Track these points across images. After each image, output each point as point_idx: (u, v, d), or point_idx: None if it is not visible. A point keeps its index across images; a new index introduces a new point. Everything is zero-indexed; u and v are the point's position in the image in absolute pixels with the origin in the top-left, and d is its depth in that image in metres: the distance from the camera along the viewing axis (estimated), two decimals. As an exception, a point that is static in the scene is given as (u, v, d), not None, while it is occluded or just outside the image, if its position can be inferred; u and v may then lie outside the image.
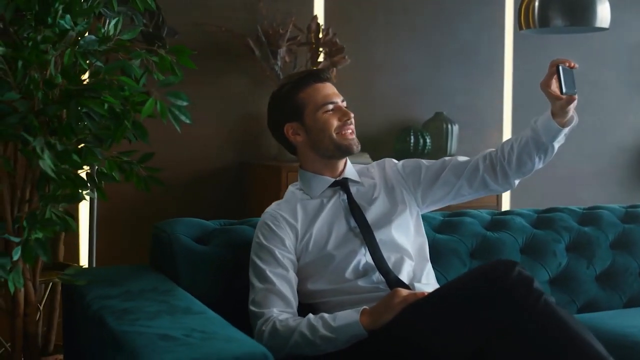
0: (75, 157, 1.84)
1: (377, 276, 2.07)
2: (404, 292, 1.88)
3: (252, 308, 2.02)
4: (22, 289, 2.06)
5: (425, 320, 1.81)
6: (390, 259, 2.10)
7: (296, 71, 3.04)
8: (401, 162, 2.28)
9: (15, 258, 1.88)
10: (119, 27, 1.96)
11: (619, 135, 4.57)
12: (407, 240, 2.16)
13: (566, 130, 2.04)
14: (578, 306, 2.61)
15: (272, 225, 2.10)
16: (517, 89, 4.26)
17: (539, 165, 2.12)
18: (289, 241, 2.09)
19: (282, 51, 3.56)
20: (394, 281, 2.05)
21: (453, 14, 4.12)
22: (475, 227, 2.57)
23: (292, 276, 2.06)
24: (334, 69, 3.60)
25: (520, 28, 3.27)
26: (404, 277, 2.08)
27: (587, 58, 4.34)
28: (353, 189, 2.19)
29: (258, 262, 2.06)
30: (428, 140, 3.82)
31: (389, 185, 2.23)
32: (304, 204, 2.16)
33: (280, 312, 1.99)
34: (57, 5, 1.84)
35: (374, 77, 3.95)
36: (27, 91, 1.84)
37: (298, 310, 2.04)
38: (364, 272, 2.08)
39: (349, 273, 2.07)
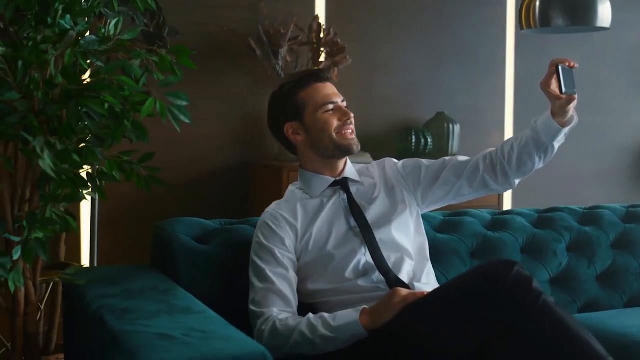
0: (75, 156, 1.85)
1: (377, 276, 2.07)
2: (404, 291, 1.88)
3: (252, 307, 2.02)
4: (23, 288, 2.06)
5: (424, 320, 1.81)
6: (390, 258, 2.10)
7: (297, 71, 3.04)
8: (401, 161, 2.28)
9: (16, 257, 1.88)
10: (120, 27, 1.97)
11: (621, 135, 4.57)
12: (407, 240, 2.16)
13: (566, 130, 2.04)
14: (579, 306, 2.61)
15: (272, 224, 2.11)
16: (518, 89, 4.26)
17: (539, 165, 2.12)
18: (289, 241, 2.09)
19: (283, 51, 3.56)
20: (393, 281, 2.05)
21: (454, 13, 4.12)
22: (476, 227, 2.58)
23: (292, 276, 2.07)
24: (335, 68, 3.60)
25: (521, 28, 3.27)
26: (404, 276, 2.09)
27: (588, 58, 4.34)
28: (353, 189, 2.19)
29: (258, 261, 2.07)
30: (429, 140, 3.82)
31: (389, 185, 2.23)
32: (304, 203, 2.16)
33: (280, 311, 1.99)
34: (57, 5, 1.84)
35: (375, 77, 3.95)
36: (27, 91, 1.85)
37: (298, 310, 2.05)
38: (364, 272, 2.08)
39: (349, 272, 2.07)
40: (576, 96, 2.00)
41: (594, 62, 4.39)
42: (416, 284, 2.08)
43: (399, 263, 2.10)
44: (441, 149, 3.84)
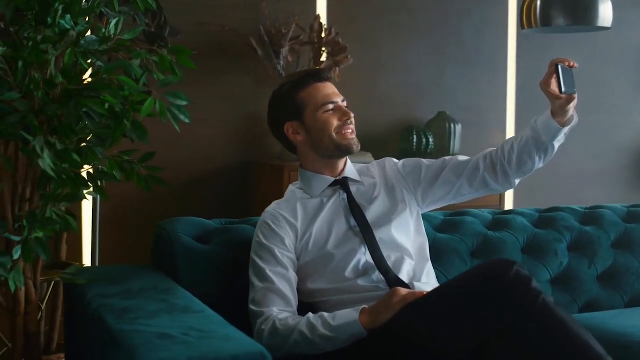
0: (75, 156, 1.85)
1: (377, 275, 2.07)
2: (403, 291, 1.88)
3: (252, 307, 2.03)
4: (23, 288, 2.07)
5: (424, 320, 1.81)
6: (390, 258, 2.10)
7: (297, 71, 3.04)
8: (401, 161, 2.28)
9: (16, 257, 1.89)
10: (120, 27, 1.97)
11: (624, 135, 4.56)
12: (407, 240, 2.16)
13: (566, 129, 2.04)
14: (579, 306, 2.61)
15: (272, 224, 2.11)
16: (520, 89, 4.26)
17: (539, 164, 2.12)
18: (289, 240, 2.10)
19: (284, 51, 3.56)
20: (393, 280, 2.05)
21: (456, 13, 4.12)
22: (477, 227, 2.57)
23: (292, 275, 2.07)
24: (337, 68, 3.60)
25: (523, 27, 3.27)
26: (404, 276, 2.09)
27: (590, 58, 4.34)
28: (353, 188, 2.19)
29: (258, 261, 2.07)
30: (431, 140, 3.82)
31: (389, 185, 2.23)
32: (304, 203, 2.17)
33: (280, 311, 1.99)
34: (57, 5, 1.84)
35: (377, 76, 3.95)
36: (28, 91, 1.85)
37: (298, 310, 2.05)
38: (363, 271, 2.08)
39: (348, 272, 2.07)
40: (576, 96, 2.00)
41: (596, 62, 4.39)
42: (416, 284, 2.08)
43: (399, 263, 2.10)
44: (443, 149, 3.84)
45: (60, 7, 1.85)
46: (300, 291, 2.09)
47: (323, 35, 3.63)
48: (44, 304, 2.77)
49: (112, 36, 1.94)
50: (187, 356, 1.48)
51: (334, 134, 2.13)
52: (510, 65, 4.26)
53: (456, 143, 3.89)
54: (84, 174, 2.02)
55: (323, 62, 3.62)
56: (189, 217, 2.33)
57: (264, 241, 2.09)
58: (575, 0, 3.05)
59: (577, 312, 2.59)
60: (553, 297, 2.49)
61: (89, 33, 1.98)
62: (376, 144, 3.76)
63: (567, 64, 2.00)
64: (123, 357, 1.55)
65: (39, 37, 1.85)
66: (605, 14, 3.07)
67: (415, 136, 3.80)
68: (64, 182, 1.89)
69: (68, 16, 1.89)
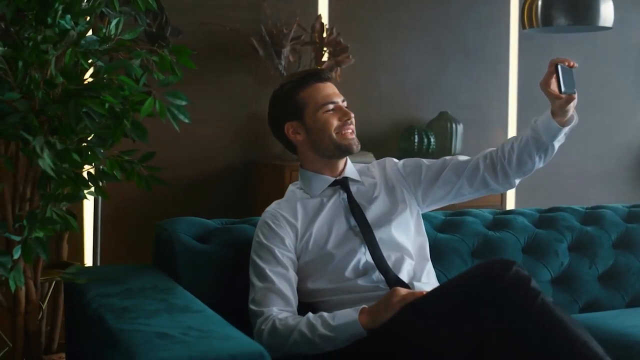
0: (75, 156, 1.85)
1: (377, 275, 2.07)
2: (403, 291, 1.88)
3: (252, 307, 2.03)
4: (23, 288, 2.07)
5: (423, 319, 1.81)
6: (390, 258, 2.10)
7: (297, 70, 3.05)
8: (402, 161, 2.28)
9: (16, 257, 1.89)
10: (120, 27, 1.97)
11: (626, 135, 4.56)
12: (407, 240, 2.16)
13: (566, 129, 2.04)
14: (580, 306, 2.61)
15: (272, 224, 2.11)
16: (522, 88, 4.26)
17: (539, 164, 2.12)
18: (289, 240, 2.10)
19: (286, 51, 3.56)
20: (393, 280, 2.05)
21: (457, 13, 4.12)
22: (477, 227, 2.57)
23: (292, 275, 2.07)
24: (338, 68, 3.60)
25: (524, 27, 3.27)
26: (404, 276, 2.09)
27: (592, 57, 4.34)
28: (353, 188, 2.19)
29: (258, 261, 2.07)
30: (432, 140, 3.82)
31: (389, 185, 2.23)
32: (304, 203, 2.17)
33: (280, 310, 1.99)
34: (57, 5, 1.84)
35: (378, 76, 3.95)
36: (28, 91, 1.85)
37: (298, 309, 2.05)
38: (363, 271, 2.08)
39: (348, 272, 2.08)
40: (576, 96, 2.00)
41: (598, 61, 4.39)
42: (416, 284, 2.08)
43: (399, 262, 2.10)
44: (444, 149, 3.84)
45: (60, 7, 1.86)
46: (300, 291, 2.09)
47: (324, 35, 3.63)
48: (45, 304, 2.77)
49: (113, 36, 1.95)
50: (186, 356, 1.48)
51: (334, 134, 2.13)
52: (512, 65, 4.26)
53: (457, 143, 3.89)
54: (85, 174, 2.03)
55: (324, 62, 3.62)
56: (189, 217, 2.33)
57: (264, 241, 2.09)
58: (576, 0, 3.05)
59: (578, 312, 2.59)
60: (554, 297, 2.51)
61: (89, 33, 1.98)
62: (377, 144, 3.76)
63: (566, 63, 2.00)
64: (122, 356, 1.55)
65: (39, 37, 1.85)
66: (607, 13, 3.06)
67: (416, 136, 3.80)
68: (64, 182, 1.89)
69: (68, 16, 1.89)
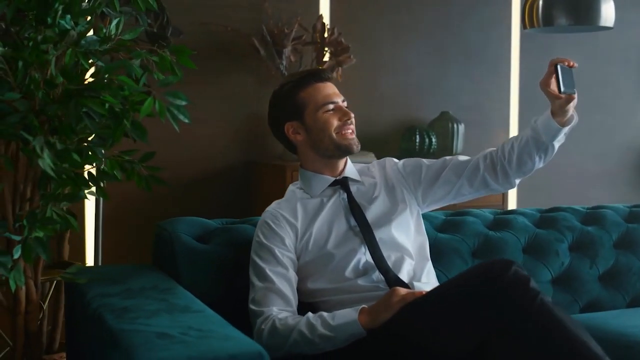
0: (75, 156, 1.85)
1: (377, 275, 2.07)
2: (403, 291, 1.88)
3: (252, 307, 2.03)
4: (24, 287, 2.08)
5: (423, 319, 1.81)
6: (390, 258, 2.10)
7: (299, 70, 3.05)
8: (402, 161, 2.28)
9: (16, 256, 1.89)
10: (121, 27, 1.97)
11: (627, 135, 4.56)
12: (407, 239, 2.16)
13: (566, 129, 2.04)
14: (581, 306, 2.61)
15: (272, 224, 2.11)
16: (523, 88, 4.26)
17: (539, 164, 2.12)
18: (289, 240, 2.10)
19: (287, 51, 3.57)
20: (393, 280, 2.05)
21: (459, 13, 4.12)
22: (478, 227, 2.57)
23: (292, 275, 2.07)
24: (340, 68, 3.60)
25: (525, 27, 3.27)
26: (404, 276, 2.09)
27: (593, 57, 4.34)
28: (353, 188, 2.19)
29: (258, 260, 2.07)
30: (434, 140, 3.82)
31: (389, 185, 2.23)
32: (304, 203, 2.17)
33: (280, 310, 2.00)
34: (57, 5, 1.84)
35: (379, 76, 3.96)
36: (28, 91, 1.86)
37: (298, 309, 2.05)
38: (363, 271, 2.08)
39: (348, 272, 2.08)
40: (575, 95, 2.00)
41: (599, 61, 4.39)
42: (416, 284, 2.07)
43: (399, 262, 2.10)
44: (445, 149, 3.84)
45: (60, 7, 1.86)
46: (300, 291, 2.09)
47: (325, 35, 3.63)
48: (46, 304, 2.78)
49: (113, 36, 1.95)
50: (186, 356, 1.48)
51: (334, 134, 2.13)
52: (513, 65, 4.26)
53: (459, 143, 3.89)
54: (86, 174, 2.03)
55: (325, 62, 3.62)
56: (189, 217, 2.33)
57: (264, 241, 2.09)
58: (577, 0, 3.05)
59: (579, 312, 2.59)
60: (554, 298, 2.51)
61: (90, 33, 1.99)
62: (378, 144, 3.77)
63: (566, 63, 2.00)
64: (122, 356, 1.55)
65: (40, 37, 1.85)
66: (608, 13, 3.06)
67: (417, 136, 3.80)
68: (64, 182, 1.89)
69: (68, 16, 1.89)
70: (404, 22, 4.00)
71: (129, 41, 1.98)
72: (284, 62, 3.56)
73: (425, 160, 2.26)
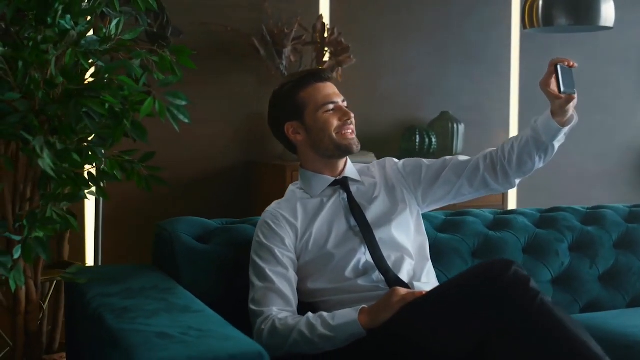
0: (75, 156, 1.85)
1: (377, 275, 2.07)
2: (403, 291, 1.88)
3: (252, 307, 2.03)
4: (24, 287, 2.08)
5: (423, 319, 1.81)
6: (390, 258, 2.10)
7: (299, 70, 3.05)
8: (402, 161, 2.28)
9: (16, 256, 1.89)
10: (121, 27, 1.97)
11: (627, 135, 4.56)
12: (407, 239, 2.16)
13: (566, 129, 2.04)
14: (581, 306, 2.61)
15: (272, 224, 2.11)
16: (523, 88, 4.26)
17: (539, 164, 2.12)
18: (289, 240, 2.10)
19: (287, 51, 3.57)
20: (393, 280, 2.05)
21: (459, 13, 4.12)
22: (478, 227, 2.57)
23: (292, 275, 2.07)
24: (340, 68, 3.60)
25: (525, 27, 3.27)
26: (404, 276, 2.09)
27: (594, 57, 4.34)
28: (353, 188, 2.19)
29: (258, 260, 2.07)
30: (434, 140, 3.82)
31: (389, 185, 2.23)
32: (304, 203, 2.17)
33: (280, 310, 2.00)
34: (57, 5, 1.85)
35: (379, 76, 3.96)
36: (28, 91, 1.86)
37: (298, 309, 2.05)
38: (363, 271, 2.08)
39: (348, 272, 2.08)
40: (575, 95, 2.00)
41: (600, 61, 4.38)
42: (416, 284, 2.07)
43: (399, 262, 2.10)
44: (445, 149, 3.84)
45: (60, 8, 1.86)
46: (300, 291, 2.09)
47: (326, 35, 3.63)
48: (46, 304, 2.78)
49: (113, 36, 1.95)
50: (185, 355, 1.48)
51: (334, 134, 2.13)
52: (514, 65, 4.26)
53: (459, 143, 3.89)
54: (86, 174, 2.03)
55: (326, 62, 3.62)
56: (189, 217, 2.33)
57: (264, 241, 2.09)
58: (577, 0, 3.05)
59: (579, 312, 2.59)
60: (554, 298, 2.51)
61: (91, 33, 1.99)
62: (379, 144, 3.77)
63: (566, 63, 2.00)
64: (122, 356, 1.55)
65: (40, 37, 1.85)
66: (608, 13, 3.06)
67: (417, 136, 3.80)
68: (64, 182, 1.89)
69: (68, 16, 1.89)
70: (404, 22, 4.00)
71: (128, 41, 1.98)
72: (284, 62, 3.56)
73: (425, 160, 2.26)
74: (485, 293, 1.73)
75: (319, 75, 2.19)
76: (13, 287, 1.94)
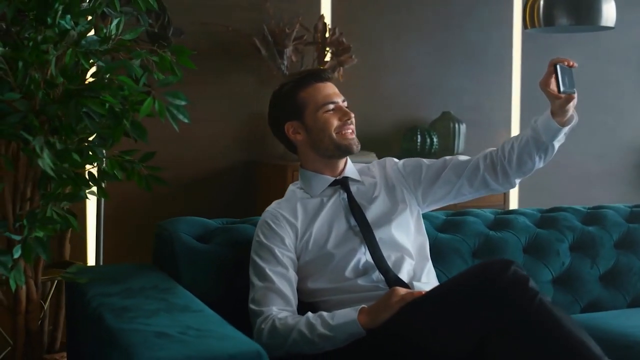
0: (75, 156, 1.86)
1: (376, 275, 2.07)
2: (402, 290, 1.88)
3: (252, 306, 2.03)
4: (24, 287, 2.08)
5: (422, 319, 1.82)
6: (390, 257, 2.10)
7: (299, 70, 3.05)
8: (402, 161, 2.28)
9: (16, 256, 1.89)
10: (121, 27, 1.98)
11: (629, 135, 4.56)
12: (407, 239, 2.16)
13: (566, 129, 2.04)
14: (581, 306, 2.60)
15: (272, 224, 2.11)
16: (525, 88, 4.26)
17: (539, 164, 2.12)
18: (289, 240, 2.10)
19: (288, 51, 3.57)
20: (393, 280, 2.05)
21: (460, 13, 4.12)
22: (478, 227, 2.57)
23: (292, 275, 2.07)
24: (341, 68, 3.60)
25: (526, 27, 3.27)
26: (404, 276, 2.09)
27: (596, 57, 4.33)
28: (353, 188, 2.19)
29: (258, 260, 2.07)
30: (435, 140, 3.82)
31: (389, 184, 2.23)
32: (304, 202, 2.17)
33: (280, 310, 2.00)
34: (57, 5, 1.85)
35: (381, 76, 3.96)
36: (28, 91, 1.86)
37: (298, 309, 2.05)
38: (363, 271, 2.08)
39: (348, 272, 2.08)
40: (575, 95, 1.99)
41: (602, 61, 4.38)
42: (416, 284, 2.08)
43: (399, 262, 2.10)
44: (447, 149, 3.84)
45: (60, 8, 1.86)
46: (301, 291, 2.09)
47: (327, 35, 3.63)
48: (47, 303, 2.78)
49: (113, 36, 1.95)
50: (184, 355, 1.48)
51: (334, 134, 2.13)
52: (515, 65, 4.26)
53: (460, 143, 3.89)
54: (87, 174, 2.03)
55: (327, 62, 3.62)
56: (189, 217, 2.34)
57: (264, 240, 2.09)
58: (578, 0, 3.05)
59: (579, 312, 2.58)
60: (555, 298, 2.51)
61: (91, 33, 1.99)
62: (380, 144, 3.77)
63: (566, 63, 2.00)
64: (121, 355, 1.55)
65: (40, 37, 1.86)
66: (609, 13, 3.07)
67: (419, 136, 3.80)
68: (64, 182, 1.89)
69: (68, 16, 1.90)
70: (405, 22, 4.00)
71: (129, 41, 1.99)
72: (285, 62, 3.56)
73: (425, 160, 2.26)
74: (484, 293, 1.73)
75: (319, 75, 2.19)
76: (13, 287, 1.94)
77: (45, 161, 1.76)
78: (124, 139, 1.95)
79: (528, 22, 3.19)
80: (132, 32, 1.99)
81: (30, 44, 1.85)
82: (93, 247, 3.34)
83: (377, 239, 2.11)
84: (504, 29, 4.23)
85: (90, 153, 1.94)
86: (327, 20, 3.77)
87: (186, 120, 1.90)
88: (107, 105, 1.86)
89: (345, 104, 2.18)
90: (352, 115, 2.16)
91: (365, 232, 2.11)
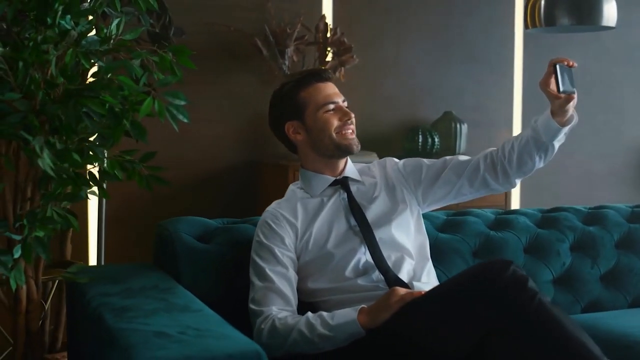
0: (75, 156, 1.86)
1: (376, 275, 2.07)
2: (402, 290, 1.89)
3: (252, 306, 2.03)
4: (24, 287, 2.08)
5: (422, 319, 1.82)
6: (390, 257, 2.10)
7: (300, 70, 3.05)
8: (402, 161, 2.28)
9: (16, 256, 1.90)
10: (121, 27, 1.98)
11: (632, 135, 4.55)
12: (407, 239, 2.16)
13: (566, 129, 2.04)
14: (582, 306, 2.60)
15: (272, 223, 2.11)
16: (526, 88, 4.25)
17: (539, 164, 2.12)
18: (289, 240, 2.10)
19: (290, 51, 3.57)
20: (393, 280, 2.05)
21: (462, 13, 4.11)
22: (479, 227, 2.57)
23: (292, 274, 2.07)
24: (342, 68, 3.60)
25: (527, 27, 3.27)
26: (404, 276, 2.09)
27: (598, 57, 4.33)
28: (353, 188, 2.19)
29: (258, 260, 2.08)
30: (437, 140, 3.82)
31: (389, 184, 2.23)
32: (304, 202, 2.17)
33: (280, 310, 2.00)
34: (57, 5, 1.85)
35: (382, 76, 3.95)
36: (28, 91, 1.86)
37: (298, 309, 2.05)
38: (363, 271, 2.08)
39: (348, 272, 2.08)
40: (575, 95, 1.99)
41: (604, 61, 4.38)
42: (416, 283, 2.08)
43: (399, 262, 2.10)
44: (448, 149, 3.84)
45: (60, 8, 1.86)
46: (301, 290, 2.09)
47: (328, 35, 3.63)
48: (48, 303, 2.78)
49: (114, 36, 1.95)
50: (183, 355, 1.48)
51: (334, 134, 2.13)
52: (517, 65, 4.26)
53: (462, 143, 3.89)
54: (87, 175, 2.03)
55: (328, 62, 3.62)
56: (190, 217, 2.34)
57: (264, 240, 2.09)
58: (580, 0, 3.05)
59: (580, 313, 2.58)
60: (555, 298, 2.51)
61: (92, 33, 1.99)
62: (381, 144, 3.77)
63: (566, 63, 2.00)
64: (120, 355, 1.56)
65: (40, 38, 1.86)
66: (610, 13, 3.06)
67: (420, 136, 3.80)
68: (64, 182, 1.90)
69: (68, 16, 1.90)
70: (407, 22, 4.00)
71: (129, 41, 1.99)
72: (287, 62, 3.56)
73: (425, 160, 2.26)
74: (483, 293, 1.73)
75: (319, 75, 2.19)
76: (14, 287, 1.95)
77: (45, 161, 1.77)
78: (124, 139, 1.95)
79: (529, 22, 3.19)
80: (132, 32, 1.99)
81: (31, 44, 1.86)
82: (94, 246, 3.34)
83: (377, 239, 2.11)
84: (505, 29, 4.22)
85: (91, 153, 1.94)
86: (329, 20, 3.77)
87: (186, 120, 1.91)
88: (107, 105, 1.86)
89: (346, 104, 2.18)
90: (352, 115, 2.16)
91: (365, 232, 2.11)
